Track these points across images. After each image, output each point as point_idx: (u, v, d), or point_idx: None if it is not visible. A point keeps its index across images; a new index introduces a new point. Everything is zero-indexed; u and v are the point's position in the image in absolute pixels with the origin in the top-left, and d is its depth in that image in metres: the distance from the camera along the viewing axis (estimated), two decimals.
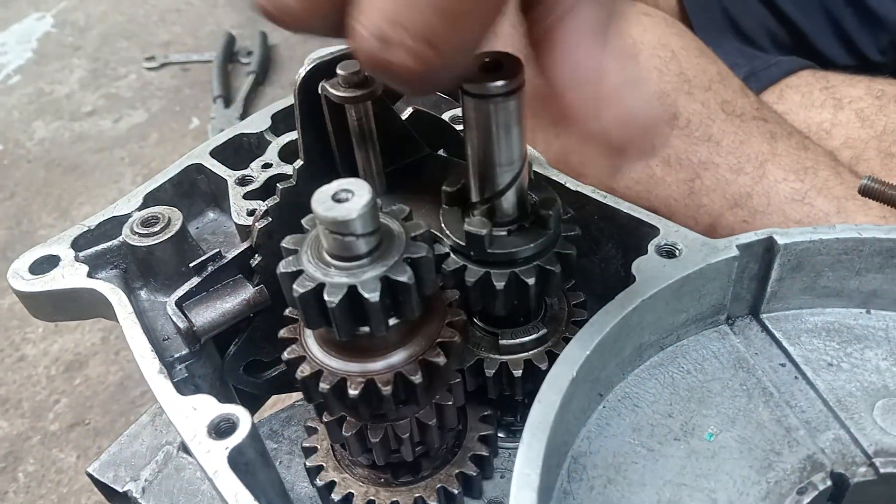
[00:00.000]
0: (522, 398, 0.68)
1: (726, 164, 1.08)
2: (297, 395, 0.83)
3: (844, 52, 1.37)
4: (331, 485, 0.65)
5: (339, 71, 0.58)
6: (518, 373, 0.64)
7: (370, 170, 0.65)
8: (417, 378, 0.53)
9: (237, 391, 0.79)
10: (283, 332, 0.57)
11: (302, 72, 0.60)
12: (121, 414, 1.97)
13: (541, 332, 0.65)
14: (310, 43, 0.53)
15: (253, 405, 0.85)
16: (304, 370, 0.55)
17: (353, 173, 0.66)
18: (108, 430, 1.95)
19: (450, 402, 0.59)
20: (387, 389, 0.53)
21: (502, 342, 0.65)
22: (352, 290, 0.48)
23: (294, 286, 0.49)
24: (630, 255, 0.65)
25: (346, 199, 0.46)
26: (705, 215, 1.09)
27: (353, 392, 0.53)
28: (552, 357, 0.64)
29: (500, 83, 0.48)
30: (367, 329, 0.50)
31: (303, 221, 0.53)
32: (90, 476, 0.78)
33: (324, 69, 0.60)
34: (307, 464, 0.67)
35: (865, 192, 0.79)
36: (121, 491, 0.76)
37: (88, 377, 2.09)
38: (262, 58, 3.35)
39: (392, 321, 0.51)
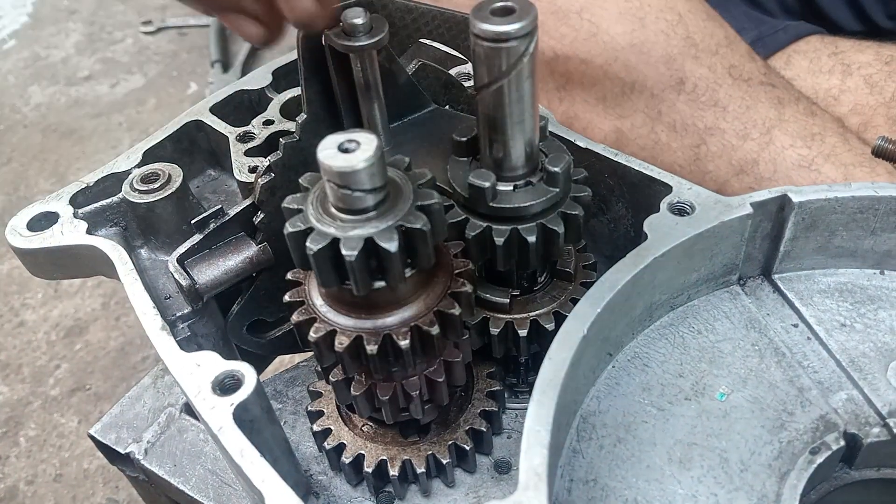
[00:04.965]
0: (527, 359, 0.67)
1: (732, 130, 1.06)
2: (301, 356, 0.82)
3: (853, 18, 1.34)
4: (340, 447, 0.64)
5: (343, 20, 0.56)
6: (524, 333, 0.63)
7: (375, 123, 0.63)
8: (434, 329, 0.52)
9: (241, 352, 0.78)
10: (287, 297, 0.56)
11: None
12: (122, 379, 1.97)
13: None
14: None
15: (257, 366, 0.84)
16: (317, 330, 0.53)
17: (358, 127, 0.64)
18: (109, 395, 1.94)
19: (458, 359, 0.58)
20: (404, 343, 0.52)
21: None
22: (369, 242, 0.47)
23: (307, 244, 0.47)
24: (640, 215, 0.64)
25: (353, 148, 0.45)
26: (711, 182, 1.07)
27: (370, 349, 0.52)
28: (559, 318, 0.63)
29: (513, 26, 0.47)
30: (382, 283, 0.49)
31: (301, 181, 0.51)
32: (92, 438, 0.78)
33: None
34: (314, 428, 0.66)
35: (879, 152, 0.78)
36: (123, 452, 0.75)
37: (89, 343, 2.08)
38: None
39: (408, 272, 0.50)
